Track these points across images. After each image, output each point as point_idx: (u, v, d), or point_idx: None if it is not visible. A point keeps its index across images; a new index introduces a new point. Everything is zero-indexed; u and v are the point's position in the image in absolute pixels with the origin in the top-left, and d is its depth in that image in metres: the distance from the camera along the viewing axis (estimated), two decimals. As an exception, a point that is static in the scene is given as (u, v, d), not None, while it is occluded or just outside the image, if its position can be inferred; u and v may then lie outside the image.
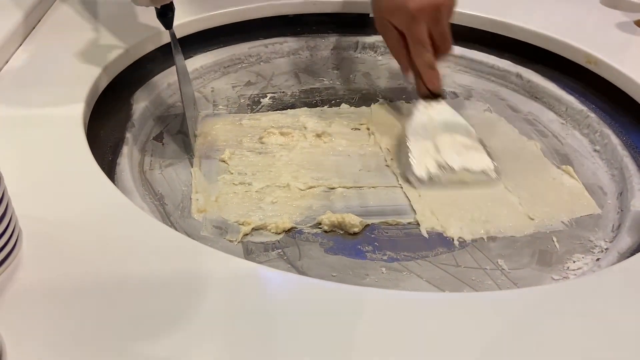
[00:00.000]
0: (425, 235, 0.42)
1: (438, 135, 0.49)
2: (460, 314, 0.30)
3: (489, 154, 0.48)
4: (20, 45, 0.54)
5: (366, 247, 0.41)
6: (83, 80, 0.48)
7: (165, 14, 0.48)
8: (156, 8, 0.48)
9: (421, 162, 0.47)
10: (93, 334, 0.28)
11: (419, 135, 0.49)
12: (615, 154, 0.49)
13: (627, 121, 0.53)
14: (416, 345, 0.28)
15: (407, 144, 0.49)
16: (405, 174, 0.47)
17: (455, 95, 0.61)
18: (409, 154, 0.48)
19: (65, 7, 0.63)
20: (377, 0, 0.53)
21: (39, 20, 0.59)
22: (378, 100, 0.60)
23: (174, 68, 0.59)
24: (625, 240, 0.40)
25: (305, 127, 0.54)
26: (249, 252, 0.40)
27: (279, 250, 0.40)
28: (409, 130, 0.50)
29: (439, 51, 0.51)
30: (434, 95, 0.52)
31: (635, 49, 0.60)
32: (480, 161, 0.48)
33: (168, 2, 0.46)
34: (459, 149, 0.48)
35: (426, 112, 0.51)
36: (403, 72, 0.54)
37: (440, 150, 0.48)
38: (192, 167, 0.48)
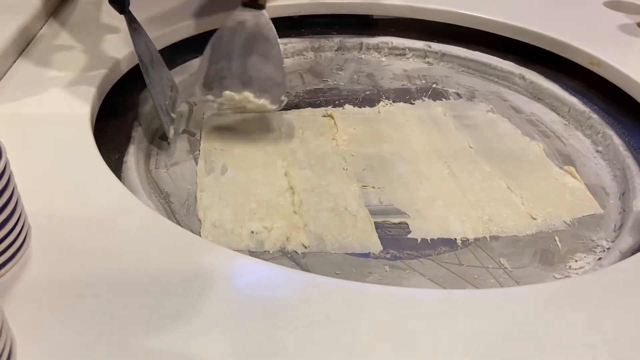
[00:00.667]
0: (427, 238, 0.42)
1: (241, 51, 0.47)
2: (462, 311, 0.30)
3: (283, 78, 0.47)
4: (29, 44, 0.55)
5: (370, 246, 0.41)
6: (90, 80, 0.49)
7: None
8: None
9: (209, 81, 0.46)
10: (100, 329, 0.28)
11: (222, 45, 0.47)
12: (618, 155, 0.50)
13: (630, 122, 0.54)
14: (418, 342, 0.28)
15: (205, 55, 0.47)
16: (194, 84, 0.46)
17: (458, 96, 0.62)
18: (202, 65, 0.46)
19: (74, 6, 0.64)
20: None
21: (47, 21, 0.60)
22: (381, 101, 0.60)
23: (180, 68, 0.60)
24: (627, 240, 0.40)
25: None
26: (253, 249, 0.41)
27: (283, 248, 0.41)
28: (213, 39, 0.48)
29: None
30: (254, 5, 0.49)
31: (638, 51, 0.61)
32: (267, 88, 0.47)
33: None
34: (254, 67, 0.47)
35: (239, 20, 0.48)
36: None
37: (233, 70, 0.46)
38: (197, 165, 0.49)
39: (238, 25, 0.48)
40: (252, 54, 0.47)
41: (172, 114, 0.51)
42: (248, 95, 0.46)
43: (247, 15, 0.48)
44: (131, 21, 0.50)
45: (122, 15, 0.49)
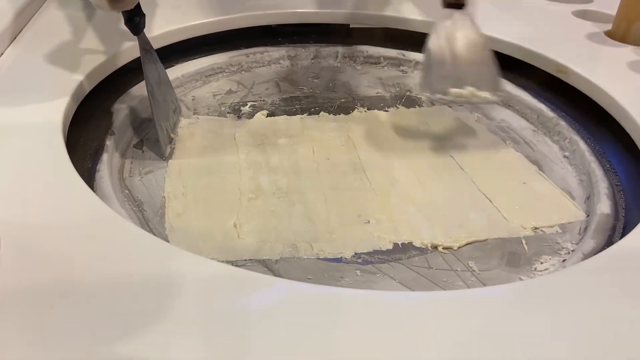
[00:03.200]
0: (398, 243, 0.43)
1: (456, 50, 0.51)
2: (427, 311, 0.31)
3: (497, 74, 0.51)
4: (2, 54, 0.55)
5: (342, 251, 0.42)
6: (64, 88, 0.49)
7: (132, 20, 0.48)
8: (123, 13, 0.48)
9: (437, 78, 0.50)
10: (70, 336, 0.28)
11: (439, 49, 0.51)
12: (584, 160, 0.51)
13: (595, 128, 0.55)
14: (386, 343, 0.29)
15: (427, 56, 0.51)
16: (421, 85, 0.50)
17: (431, 103, 0.63)
18: (427, 68, 0.51)
19: (48, 16, 0.64)
20: None
21: (21, 30, 0.60)
22: (356, 108, 0.61)
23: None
24: (590, 242, 0.41)
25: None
26: (225, 256, 0.41)
27: (256, 255, 0.41)
28: (430, 43, 0.52)
29: None
30: (456, 3, 0.52)
31: (604, 59, 0.62)
32: (488, 82, 0.51)
33: (129, 8, 0.46)
34: (472, 65, 0.51)
35: (447, 25, 0.52)
36: None
37: (456, 67, 0.50)
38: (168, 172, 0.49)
39: (448, 25, 0.52)
40: (465, 52, 0.51)
41: (172, 134, 0.54)
42: (472, 90, 0.50)
43: (453, 16, 0.52)
44: (144, 43, 0.51)
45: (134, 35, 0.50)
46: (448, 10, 0.53)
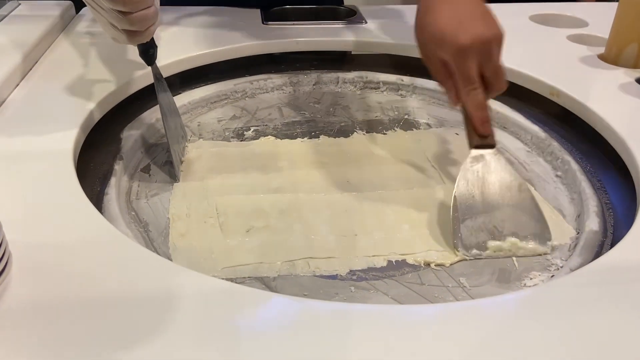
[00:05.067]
0: (392, 260, 0.44)
1: (489, 196, 0.46)
2: (418, 324, 0.33)
3: (542, 218, 0.45)
4: (19, 84, 0.58)
5: (337, 268, 0.44)
6: (76, 116, 0.52)
7: (147, 52, 0.51)
8: (138, 46, 0.51)
9: (471, 231, 0.45)
10: (76, 349, 0.30)
11: (469, 197, 0.46)
12: (575, 179, 0.53)
13: (586, 148, 0.57)
14: (377, 355, 0.30)
15: (456, 209, 0.46)
16: (455, 243, 0.45)
17: (429, 126, 0.65)
18: (458, 223, 0.45)
19: (61, 48, 0.67)
20: (422, 26, 0.49)
21: (37, 61, 0.63)
22: (355, 132, 0.63)
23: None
24: (578, 258, 0.43)
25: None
26: (225, 274, 0.43)
27: (255, 272, 0.43)
28: (458, 191, 0.46)
29: (492, 89, 0.48)
30: (484, 144, 0.48)
31: (596, 81, 0.64)
32: (530, 229, 0.45)
33: (145, 41, 0.49)
34: (510, 212, 0.45)
35: (476, 169, 0.47)
36: (452, 104, 0.50)
37: (491, 216, 0.45)
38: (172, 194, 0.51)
39: (479, 169, 0.47)
40: (501, 197, 0.46)
41: (182, 158, 0.56)
42: (515, 241, 0.44)
43: (482, 157, 0.48)
44: (156, 73, 0.54)
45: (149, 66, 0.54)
46: (475, 152, 0.48)
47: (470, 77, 0.46)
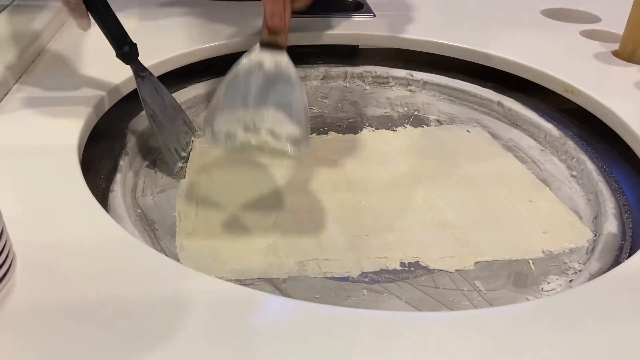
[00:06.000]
0: (405, 262, 0.43)
1: (260, 89, 0.44)
2: (435, 332, 0.31)
3: (306, 125, 0.43)
4: (21, 77, 0.57)
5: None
6: (80, 111, 0.50)
7: (122, 49, 0.50)
8: (112, 46, 0.49)
9: (225, 117, 0.43)
10: (82, 354, 0.29)
11: (238, 85, 0.44)
12: (591, 179, 0.51)
13: (602, 147, 0.55)
14: (389, 363, 0.29)
15: (219, 94, 0.44)
16: (205, 129, 0.43)
17: (439, 122, 0.64)
18: (214, 108, 0.43)
19: (65, 40, 0.66)
20: None
21: (39, 53, 0.62)
22: (364, 128, 0.62)
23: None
24: (597, 262, 0.42)
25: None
26: (234, 275, 0.42)
27: (264, 273, 0.42)
28: (227, 78, 0.45)
29: None
30: (272, 41, 0.45)
31: (611, 78, 0.63)
32: (290, 131, 0.42)
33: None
34: (275, 111, 0.43)
35: (257, 60, 0.45)
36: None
37: (254, 107, 0.43)
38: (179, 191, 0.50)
39: (256, 65, 0.45)
40: (271, 97, 0.44)
41: (183, 153, 0.55)
42: (266, 139, 0.42)
43: (265, 56, 0.45)
44: (138, 70, 0.52)
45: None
46: (262, 49, 0.45)
47: None
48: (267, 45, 0.45)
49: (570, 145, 0.56)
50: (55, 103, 0.53)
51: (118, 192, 0.47)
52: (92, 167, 0.49)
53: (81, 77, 0.57)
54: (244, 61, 0.45)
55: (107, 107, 0.55)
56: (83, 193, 0.41)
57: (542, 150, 0.58)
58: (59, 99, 0.53)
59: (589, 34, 0.74)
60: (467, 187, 0.52)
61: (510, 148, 0.59)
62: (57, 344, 0.30)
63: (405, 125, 0.63)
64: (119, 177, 0.49)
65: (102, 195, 0.47)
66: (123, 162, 0.51)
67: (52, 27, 0.67)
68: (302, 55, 0.74)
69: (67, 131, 0.47)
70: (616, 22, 0.71)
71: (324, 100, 0.68)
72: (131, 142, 0.54)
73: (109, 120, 0.54)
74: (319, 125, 0.63)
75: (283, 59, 0.45)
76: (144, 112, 0.59)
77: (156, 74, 0.56)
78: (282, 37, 0.45)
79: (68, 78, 0.57)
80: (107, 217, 0.39)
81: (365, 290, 0.41)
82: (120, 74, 0.57)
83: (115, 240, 0.37)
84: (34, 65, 0.60)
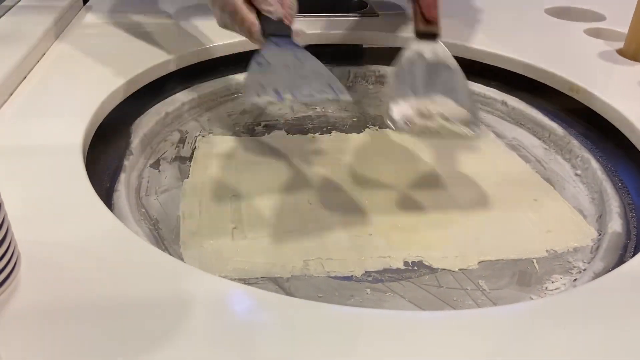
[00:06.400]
0: (409, 261, 0.43)
1: (424, 78, 0.46)
2: (439, 332, 0.31)
3: (474, 108, 0.46)
4: (26, 77, 0.57)
5: (352, 269, 0.43)
6: (84, 110, 0.50)
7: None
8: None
9: (400, 105, 0.45)
10: (86, 352, 0.29)
11: (405, 76, 0.47)
12: (595, 178, 0.51)
13: (607, 146, 0.55)
14: (393, 362, 0.29)
15: (390, 85, 0.47)
16: (385, 117, 0.45)
17: (443, 122, 0.64)
18: (390, 97, 0.46)
19: (69, 40, 0.66)
20: None
21: (44, 54, 0.62)
22: (368, 128, 0.62)
23: (171, 98, 0.62)
24: (601, 261, 0.41)
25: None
26: (238, 275, 0.42)
27: (268, 273, 0.42)
28: (395, 70, 0.47)
29: None
30: (429, 31, 0.48)
31: (616, 77, 0.63)
32: (460, 114, 0.45)
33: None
34: (443, 97, 0.45)
35: (417, 51, 0.47)
36: None
37: (423, 95, 0.45)
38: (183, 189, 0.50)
39: (417, 56, 0.48)
40: (436, 84, 0.46)
41: (288, 96, 0.45)
42: (443, 123, 0.44)
43: (423, 47, 0.48)
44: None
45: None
46: (419, 40, 0.48)
47: None
48: (424, 35, 0.48)
49: (575, 144, 0.56)
50: (60, 102, 0.53)
51: (122, 191, 0.47)
52: (97, 167, 0.50)
53: (86, 76, 0.58)
54: (406, 53, 0.48)
55: (111, 106, 0.55)
56: (87, 192, 0.41)
57: (546, 149, 0.58)
58: (64, 98, 0.54)
59: (594, 33, 0.74)
60: (471, 186, 0.52)
61: (515, 147, 0.59)
62: (60, 342, 0.30)
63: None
64: (123, 176, 0.49)
65: (106, 194, 0.47)
66: (127, 162, 0.51)
67: (57, 27, 0.67)
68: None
69: (72, 130, 0.47)
70: (621, 21, 0.70)
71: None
72: (135, 142, 0.54)
73: (113, 119, 0.55)
74: (322, 125, 0.63)
75: (439, 48, 0.48)
76: (148, 111, 0.59)
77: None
78: (436, 27, 0.48)
79: (73, 78, 0.57)
80: (111, 216, 0.39)
81: (368, 290, 0.41)
82: (124, 73, 0.58)
83: (119, 240, 0.37)
84: (39, 65, 0.60)
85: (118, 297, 0.33)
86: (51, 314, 0.31)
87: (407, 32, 0.72)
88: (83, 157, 0.45)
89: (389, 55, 0.74)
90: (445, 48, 0.48)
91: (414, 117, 0.44)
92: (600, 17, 0.78)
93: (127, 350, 0.29)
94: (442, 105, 0.45)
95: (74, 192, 0.41)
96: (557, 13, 0.81)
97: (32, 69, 0.59)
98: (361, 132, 0.61)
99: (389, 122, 0.44)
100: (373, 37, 0.73)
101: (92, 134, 0.50)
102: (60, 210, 0.40)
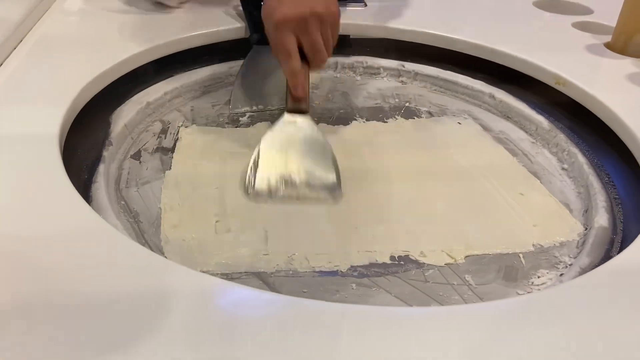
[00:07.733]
0: (395, 256, 0.43)
1: (292, 150, 0.50)
2: (425, 327, 0.31)
3: (337, 175, 0.49)
4: (2, 64, 0.55)
5: (338, 264, 0.42)
6: (62, 99, 0.49)
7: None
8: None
9: (264, 176, 0.48)
10: (62, 349, 0.28)
11: (273, 149, 0.50)
12: (582, 172, 0.51)
13: (593, 140, 0.55)
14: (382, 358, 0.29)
15: (257, 156, 0.49)
16: (246, 187, 0.48)
17: (430, 114, 0.63)
18: (256, 168, 0.48)
19: (48, 26, 0.64)
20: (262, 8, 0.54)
21: (21, 40, 0.60)
22: (355, 120, 0.61)
23: (153, 87, 0.61)
24: (588, 256, 0.41)
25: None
26: (220, 269, 0.41)
27: (252, 267, 0.41)
28: (264, 143, 0.50)
29: (311, 62, 0.52)
30: (297, 108, 0.52)
31: (603, 71, 0.62)
32: (324, 180, 0.48)
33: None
34: (308, 166, 0.49)
35: (286, 127, 0.52)
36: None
37: (288, 166, 0.49)
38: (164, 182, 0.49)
39: (286, 128, 0.52)
40: (303, 154, 0.50)
41: (255, 108, 0.60)
42: (304, 191, 0.48)
43: (293, 119, 0.52)
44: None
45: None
46: (289, 115, 0.52)
47: (285, 49, 0.50)
48: (293, 111, 0.52)
49: (561, 137, 0.56)
50: (36, 90, 0.51)
51: (101, 183, 0.46)
52: (74, 157, 0.48)
53: (65, 64, 0.56)
54: (276, 126, 0.52)
55: (90, 95, 0.53)
56: (64, 184, 0.40)
57: (533, 142, 0.58)
58: (41, 85, 0.52)
59: (582, 26, 0.73)
60: (457, 179, 0.52)
61: (501, 140, 0.58)
62: (36, 338, 0.29)
63: (396, 116, 0.62)
64: (102, 167, 0.48)
65: (84, 186, 0.46)
66: (106, 153, 0.50)
67: (35, 14, 0.65)
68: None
69: (48, 120, 0.46)
70: (609, 14, 0.70)
71: (314, 91, 0.67)
72: (115, 132, 0.53)
73: (92, 109, 0.53)
74: (309, 116, 0.61)
75: (307, 121, 0.52)
76: (129, 100, 0.58)
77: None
78: (304, 103, 0.53)
79: (51, 65, 0.55)
80: (88, 209, 0.38)
81: (354, 285, 0.40)
82: (104, 61, 0.56)
83: (98, 233, 0.36)
84: (16, 51, 0.58)
85: (95, 292, 0.32)
86: (25, 309, 0.30)
87: (395, 23, 0.71)
88: (60, 148, 0.44)
89: (376, 46, 0.74)
90: (312, 121, 0.52)
91: (279, 188, 0.47)
92: (588, 11, 0.78)
93: (104, 345, 0.28)
94: (308, 173, 0.48)
95: (50, 183, 0.40)
96: (545, 6, 0.80)
97: (9, 56, 0.57)
98: (348, 124, 0.60)
99: (251, 192, 0.47)
100: (360, 28, 0.72)
101: (70, 123, 0.48)
102: (35, 203, 0.38)
